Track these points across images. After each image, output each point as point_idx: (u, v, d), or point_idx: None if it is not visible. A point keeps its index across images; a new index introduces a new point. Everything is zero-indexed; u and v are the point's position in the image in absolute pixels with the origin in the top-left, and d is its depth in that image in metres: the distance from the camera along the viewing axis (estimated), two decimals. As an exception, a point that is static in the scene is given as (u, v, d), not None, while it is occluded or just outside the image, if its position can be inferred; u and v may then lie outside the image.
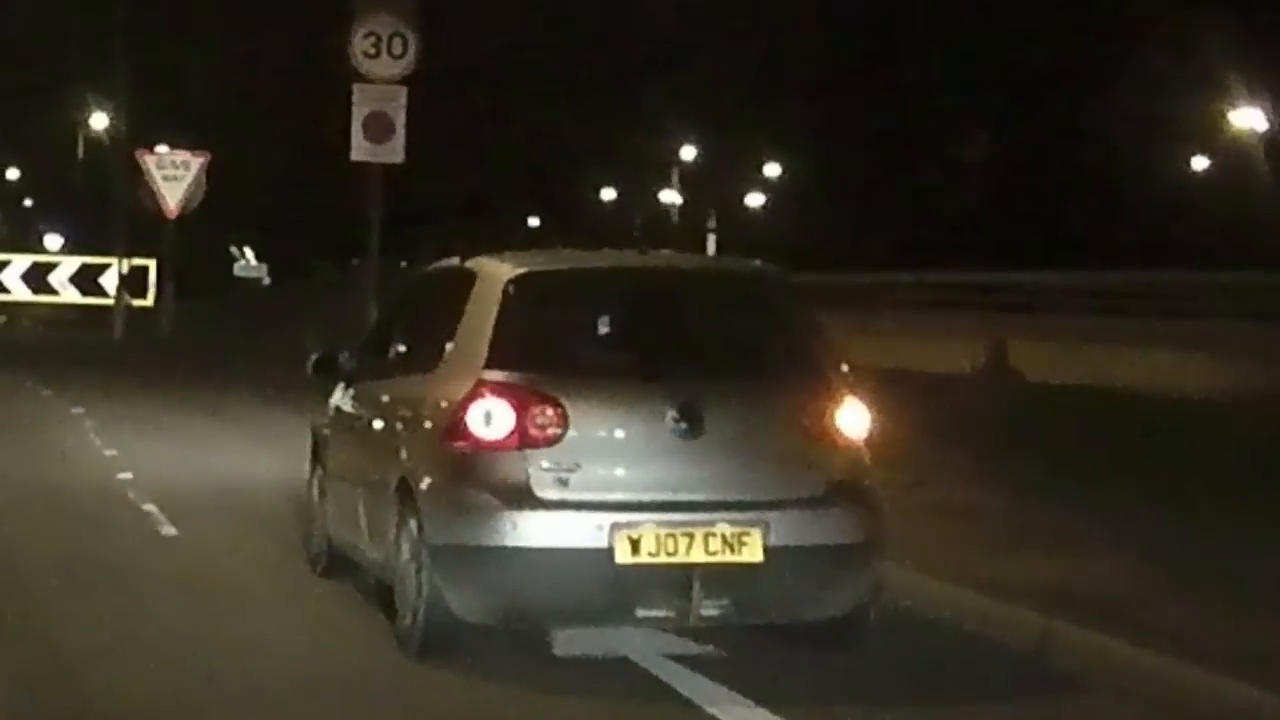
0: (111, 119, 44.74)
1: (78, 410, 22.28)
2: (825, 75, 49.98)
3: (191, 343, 38.77)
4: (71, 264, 47.85)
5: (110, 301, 44.71)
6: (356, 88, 21.97)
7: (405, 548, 8.96)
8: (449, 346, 9.14)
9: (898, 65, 49.38)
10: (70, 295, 47.28)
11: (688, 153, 60.19)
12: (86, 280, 46.86)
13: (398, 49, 21.98)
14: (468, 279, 9.40)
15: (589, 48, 51.90)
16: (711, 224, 55.16)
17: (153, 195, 39.77)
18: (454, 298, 9.33)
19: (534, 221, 62.38)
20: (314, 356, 11.10)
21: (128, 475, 15.80)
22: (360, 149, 21.96)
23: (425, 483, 8.84)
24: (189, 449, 18.17)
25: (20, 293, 47.77)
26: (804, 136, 51.91)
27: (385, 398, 9.97)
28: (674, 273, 9.64)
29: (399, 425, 9.47)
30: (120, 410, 22.49)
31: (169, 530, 12.99)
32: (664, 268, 9.65)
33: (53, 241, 61.28)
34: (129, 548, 12.16)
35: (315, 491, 11.28)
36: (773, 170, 60.27)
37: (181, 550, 12.21)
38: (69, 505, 14.09)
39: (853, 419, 8.90)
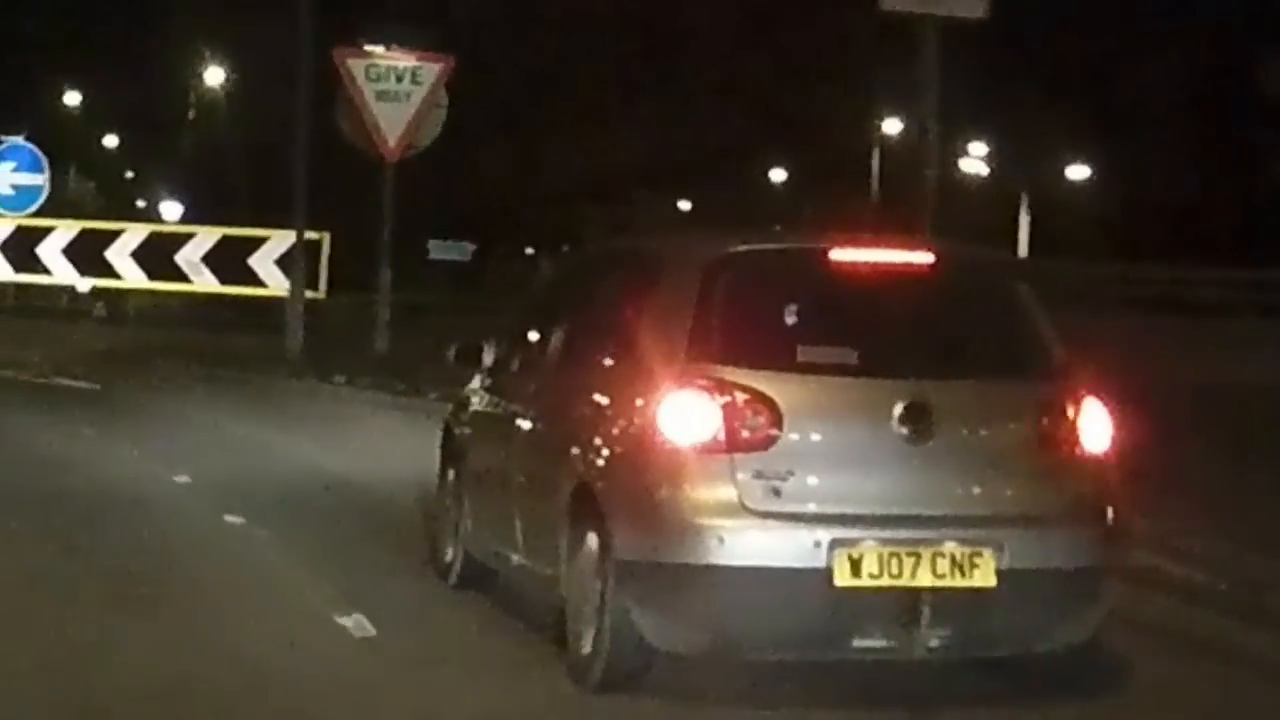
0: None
1: (282, 558, 11.81)
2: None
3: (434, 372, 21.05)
4: (206, 237, 35.41)
5: (269, 291, 33.68)
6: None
7: (582, 564, 8.30)
8: (634, 336, 8.42)
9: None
10: (205, 282, 35.40)
11: (891, 126, 56.15)
12: (229, 261, 34.71)
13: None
14: (651, 261, 8.79)
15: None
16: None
17: (358, 124, 27.24)
18: (634, 282, 8.68)
19: (684, 205, 59.40)
20: (454, 346, 10.50)
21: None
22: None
23: (612, 491, 8.17)
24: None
25: (133, 277, 35.93)
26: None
27: (551, 393, 9.27)
28: (891, 256, 8.75)
29: (573, 424, 8.72)
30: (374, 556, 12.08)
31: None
32: (879, 250, 8.76)
33: (170, 211, 53.64)
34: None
35: (448, 494, 10.60)
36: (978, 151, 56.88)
37: None
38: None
39: (1094, 426, 8.20)
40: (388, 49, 27.19)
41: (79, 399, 23.55)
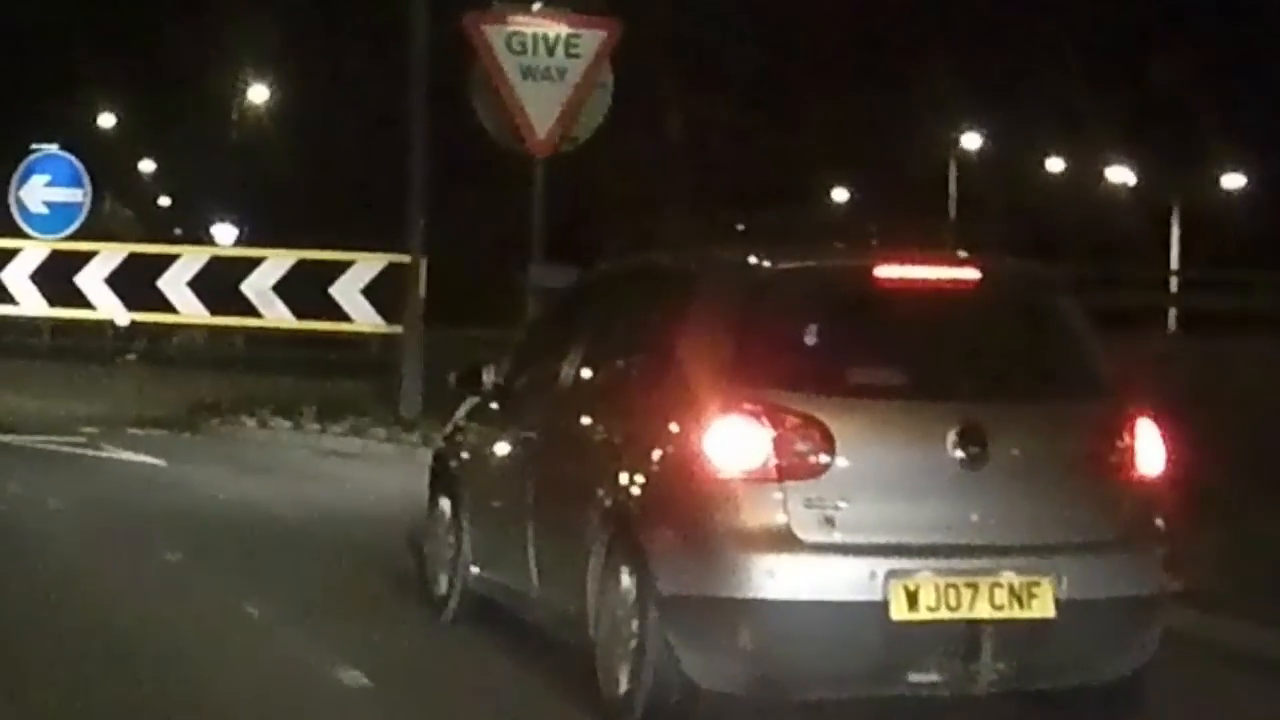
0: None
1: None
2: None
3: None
4: (278, 262, 30.06)
5: (354, 326, 28.93)
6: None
7: (615, 599, 8.17)
8: (670, 358, 8.26)
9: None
10: (278, 315, 29.65)
11: (971, 141, 56.55)
12: (305, 290, 29.28)
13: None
14: (684, 278, 8.58)
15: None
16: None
17: (499, 111, 20.62)
18: (666, 300, 8.54)
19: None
20: (455, 372, 10.32)
21: None
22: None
23: (652, 522, 8.04)
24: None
25: (190, 310, 30.38)
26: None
27: (573, 418, 9.08)
28: (937, 272, 8.54)
29: (601, 452, 8.59)
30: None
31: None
32: (925, 266, 8.56)
33: (224, 234, 50.10)
34: None
35: (440, 526, 10.43)
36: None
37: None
38: None
39: (1149, 448, 8.12)
40: (534, 13, 20.60)
41: (144, 488, 17.79)
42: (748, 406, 7.72)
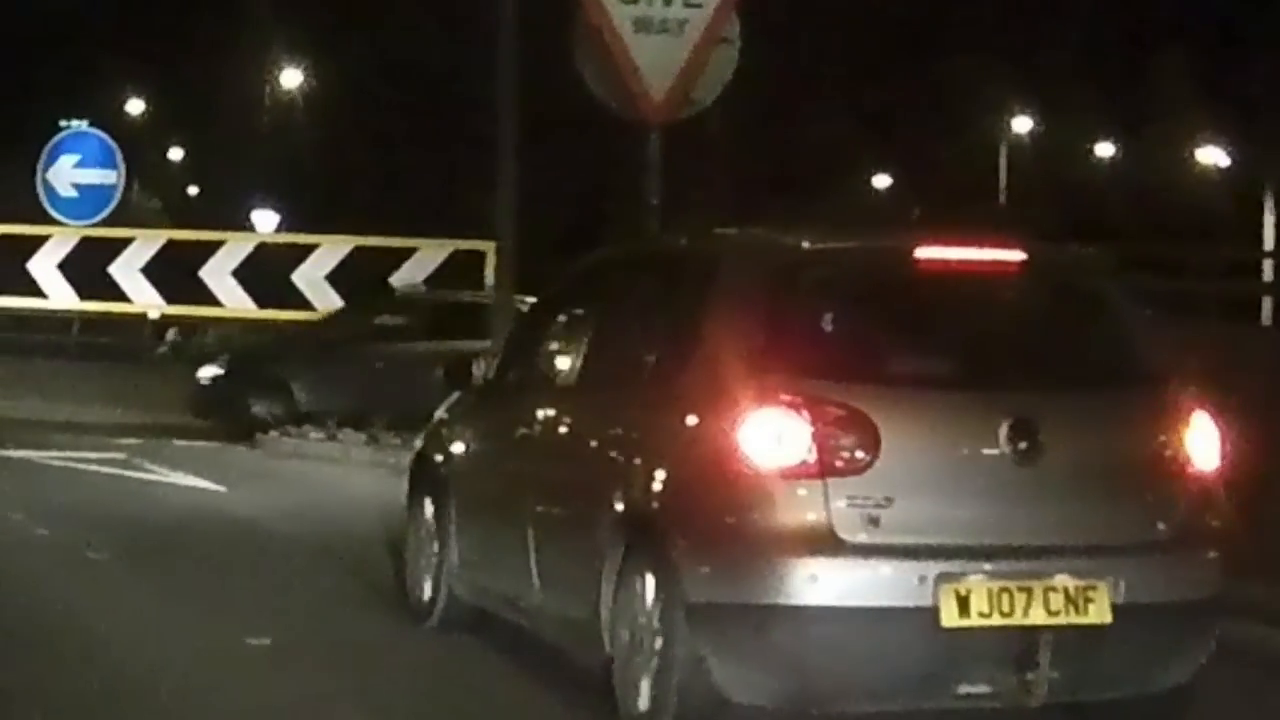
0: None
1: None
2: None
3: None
4: (333, 250, 27.58)
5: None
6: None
7: (635, 606, 7.73)
8: (694, 347, 7.82)
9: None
10: (332, 307, 26.53)
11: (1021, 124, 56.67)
12: (363, 279, 26.68)
13: None
14: (707, 261, 8.16)
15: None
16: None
17: (609, 72, 16.95)
18: (686, 284, 8.11)
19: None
20: (443, 365, 10.08)
21: None
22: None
23: (679, 523, 7.57)
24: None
25: (236, 302, 27.86)
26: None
27: (582, 412, 8.65)
28: (979, 254, 8.11)
29: (617, 448, 8.12)
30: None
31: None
32: (966, 248, 8.13)
33: (265, 222, 47.52)
34: None
35: (423, 528, 9.96)
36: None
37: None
38: None
39: (1203, 441, 7.76)
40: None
41: (203, 526, 14.19)
42: (785, 397, 7.28)
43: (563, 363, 8.87)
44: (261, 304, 27.56)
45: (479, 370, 9.66)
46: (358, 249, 27.45)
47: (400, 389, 22.27)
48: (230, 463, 18.77)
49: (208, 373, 23.25)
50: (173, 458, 18.68)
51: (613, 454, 8.04)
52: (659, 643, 7.49)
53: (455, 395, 10.05)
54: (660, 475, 7.66)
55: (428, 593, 9.84)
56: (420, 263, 26.65)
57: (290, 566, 11.96)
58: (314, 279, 27.08)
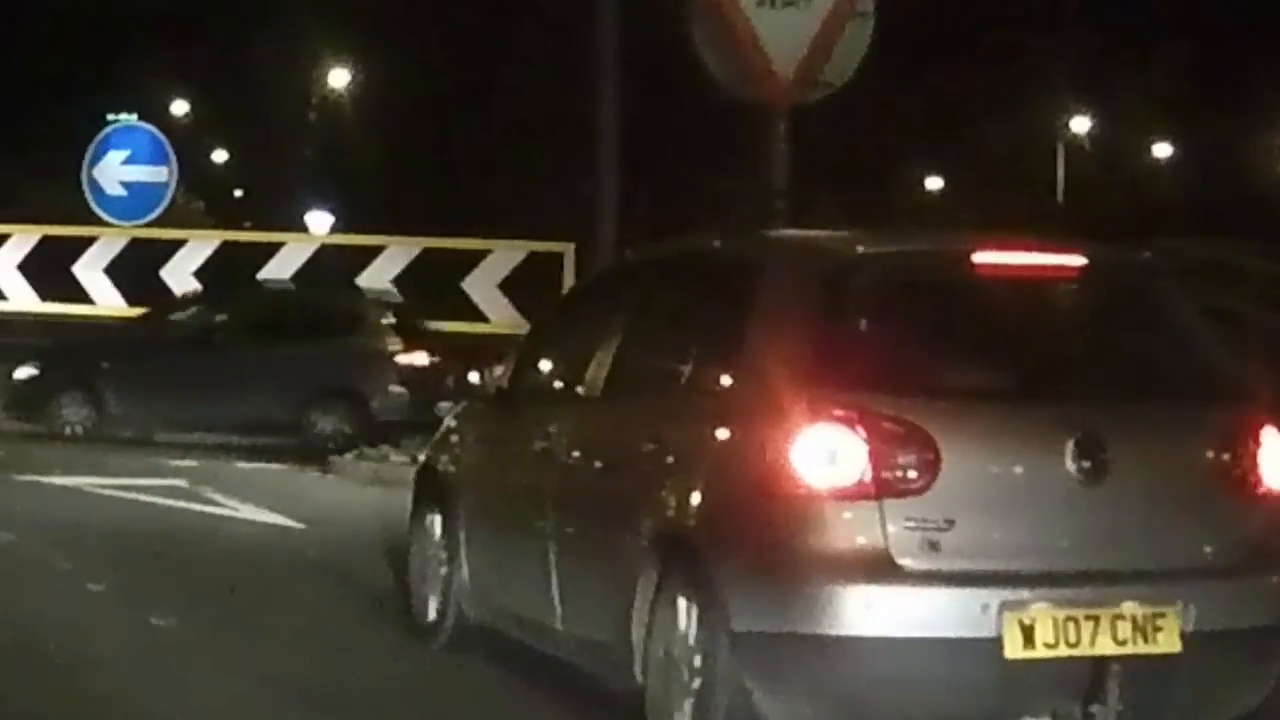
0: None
1: None
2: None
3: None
4: (399, 252, 25.69)
5: (490, 328, 24.31)
6: None
7: (671, 633, 7.37)
8: (736, 356, 7.46)
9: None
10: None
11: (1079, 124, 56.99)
12: (432, 284, 24.81)
13: None
14: (750, 264, 7.82)
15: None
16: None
17: (729, 49, 15.29)
18: (728, 289, 7.75)
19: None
20: (452, 376, 9.88)
21: None
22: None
23: (722, 547, 7.19)
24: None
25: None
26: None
27: (609, 425, 8.27)
28: (1039, 258, 7.84)
29: (652, 463, 7.68)
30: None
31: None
32: (1025, 252, 7.87)
33: (319, 223, 46.51)
34: None
35: (430, 542, 9.57)
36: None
37: None
38: None
39: (1274, 457, 7.43)
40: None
41: (286, 580, 11.80)
42: (838, 412, 6.92)
43: (586, 371, 8.44)
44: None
45: (490, 377, 9.29)
46: (427, 251, 25.74)
47: (234, 395, 21.54)
48: (303, 492, 16.59)
49: (23, 373, 22.20)
50: (240, 485, 16.48)
51: (646, 471, 7.62)
52: (698, 672, 7.14)
53: (462, 403, 9.70)
54: (701, 495, 7.28)
55: (434, 612, 9.50)
56: (495, 265, 25.00)
57: (389, 638, 9.91)
58: (380, 283, 25.34)
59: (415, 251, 25.70)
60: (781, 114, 16.25)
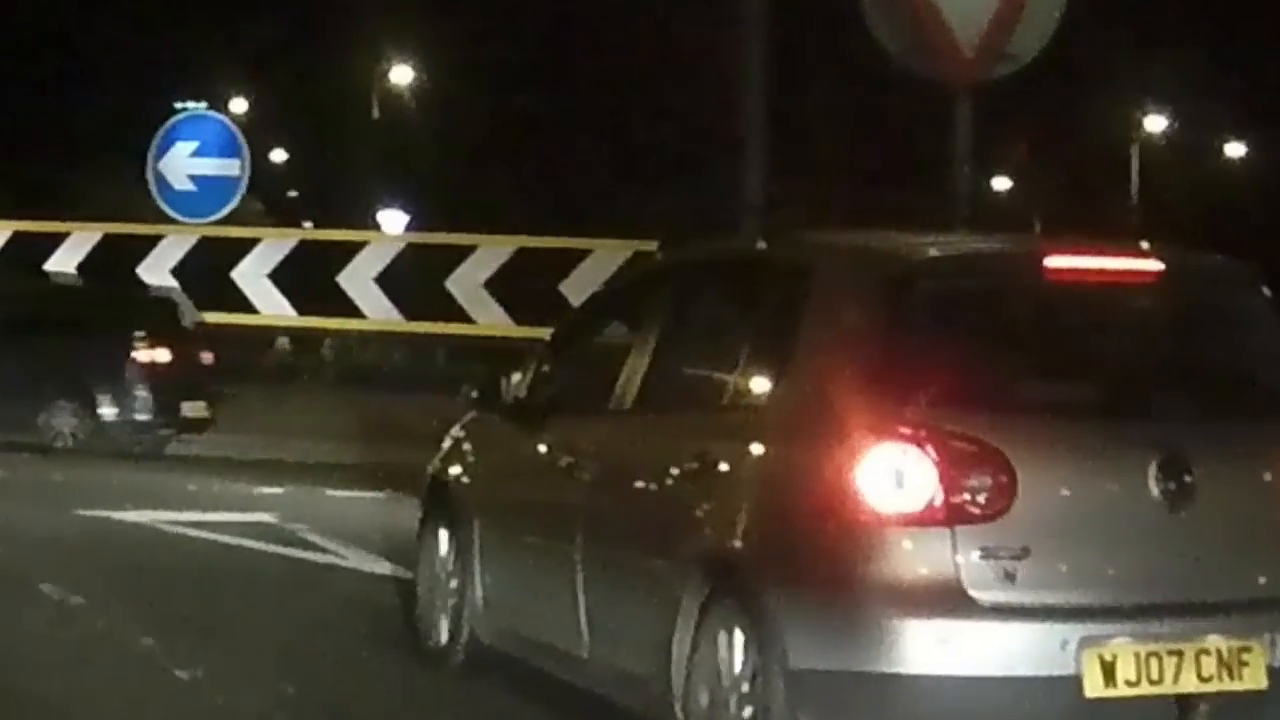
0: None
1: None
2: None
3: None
4: (493, 251, 23.56)
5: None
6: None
7: (720, 668, 7.00)
8: (789, 369, 7.11)
9: None
10: (494, 320, 23.23)
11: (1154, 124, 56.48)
12: (526, 288, 22.91)
13: None
14: (802, 269, 7.40)
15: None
16: None
17: (909, 25, 13.79)
18: (776, 296, 7.41)
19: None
20: (472, 390, 9.21)
21: None
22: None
23: (778, 576, 6.83)
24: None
25: (380, 313, 23.71)
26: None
27: (644, 440, 7.86)
28: (1113, 264, 7.48)
29: (693, 483, 7.30)
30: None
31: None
32: (1099, 257, 7.48)
33: (392, 221, 45.44)
34: None
35: (439, 562, 9.26)
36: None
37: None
38: None
39: None
40: None
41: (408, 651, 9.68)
42: (905, 430, 6.56)
43: (616, 382, 8.04)
44: (409, 316, 24.04)
45: (507, 387, 8.88)
46: (520, 251, 23.75)
47: None
48: (410, 529, 13.96)
49: None
50: (337, 523, 14.04)
51: (690, 489, 7.22)
52: (749, 710, 6.78)
53: (471, 413, 9.34)
54: (751, 520, 6.90)
55: (444, 635, 9.11)
56: (596, 266, 22.79)
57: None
58: (471, 287, 23.49)
59: (509, 252, 23.69)
60: (964, 93, 14.36)
